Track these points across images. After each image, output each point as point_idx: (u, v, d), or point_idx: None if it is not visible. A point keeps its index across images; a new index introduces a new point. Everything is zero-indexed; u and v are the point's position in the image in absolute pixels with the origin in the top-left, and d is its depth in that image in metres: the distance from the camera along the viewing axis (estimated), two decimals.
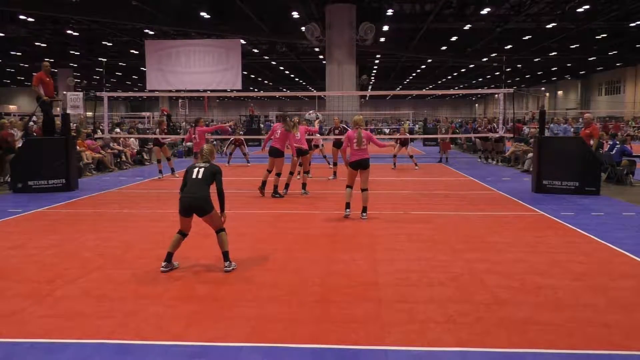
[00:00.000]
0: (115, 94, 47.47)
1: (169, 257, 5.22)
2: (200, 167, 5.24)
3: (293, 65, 47.30)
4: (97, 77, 53.90)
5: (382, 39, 33.53)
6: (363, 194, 7.97)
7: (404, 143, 15.82)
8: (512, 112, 17.34)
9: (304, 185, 10.37)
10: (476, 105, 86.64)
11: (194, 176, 5.18)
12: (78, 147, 13.43)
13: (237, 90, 30.58)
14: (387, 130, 38.28)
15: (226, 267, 5.20)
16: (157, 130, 15.26)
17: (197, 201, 5.09)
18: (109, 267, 5.41)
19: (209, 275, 5.13)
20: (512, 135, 16.24)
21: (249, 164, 16.52)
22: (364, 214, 7.95)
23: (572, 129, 17.97)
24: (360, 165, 7.85)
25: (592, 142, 11.46)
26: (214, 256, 5.63)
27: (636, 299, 4.46)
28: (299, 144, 10.31)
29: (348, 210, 7.95)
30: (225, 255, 5.23)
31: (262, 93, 67.62)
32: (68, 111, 13.65)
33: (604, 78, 52.98)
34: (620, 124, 32.87)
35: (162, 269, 5.19)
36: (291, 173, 10.42)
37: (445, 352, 3.45)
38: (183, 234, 5.28)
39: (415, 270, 5.23)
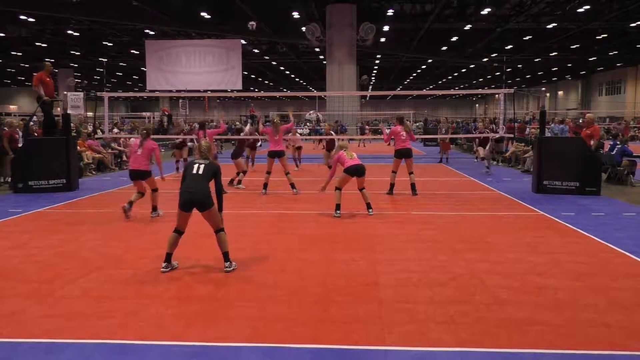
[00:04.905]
0: (115, 94, 47.45)
1: (168, 258, 5.24)
2: (200, 164, 5.29)
3: (293, 65, 47.30)
4: (98, 77, 53.93)
5: (383, 39, 33.52)
6: (363, 193, 8.25)
7: None
8: (513, 112, 17.31)
9: (292, 185, 10.39)
10: (476, 105, 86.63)
11: (194, 171, 5.23)
12: (79, 147, 13.44)
13: (238, 91, 30.60)
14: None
15: (226, 267, 5.20)
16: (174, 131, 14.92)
17: (197, 196, 5.13)
18: (109, 267, 5.41)
19: (209, 275, 5.13)
20: (511, 135, 16.23)
21: (297, 168, 15.25)
22: (371, 210, 8.23)
23: (567, 128, 17.89)
24: (357, 171, 8.04)
25: (592, 142, 11.45)
26: (214, 256, 5.63)
27: (636, 299, 4.45)
28: (275, 146, 10.34)
29: (339, 212, 8.08)
30: (226, 256, 5.24)
31: (262, 93, 67.58)
32: (68, 111, 13.65)
33: (604, 78, 52.96)
34: (622, 124, 32.79)
35: (162, 269, 5.20)
36: (268, 172, 10.54)
37: (445, 352, 3.45)
38: (179, 232, 5.28)
39: (416, 271, 5.23)
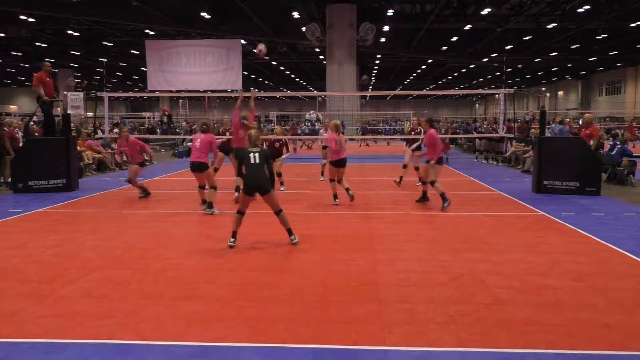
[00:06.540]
0: (115, 94, 47.48)
1: (234, 235, 6.08)
2: (254, 152, 6.10)
3: (293, 66, 47.30)
4: (98, 78, 53.94)
5: (383, 39, 33.51)
6: (343, 182, 9.06)
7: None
8: (513, 112, 17.31)
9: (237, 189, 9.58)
10: (477, 105, 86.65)
11: (252, 161, 6.05)
12: (79, 147, 13.44)
13: (238, 91, 30.60)
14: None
15: (292, 240, 6.12)
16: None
17: (260, 182, 5.99)
18: (109, 267, 5.41)
19: (209, 275, 5.13)
20: (512, 135, 16.24)
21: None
22: (350, 191, 9.01)
23: (567, 128, 17.83)
24: (344, 164, 8.86)
25: (592, 142, 11.44)
26: (213, 256, 5.63)
27: (636, 299, 4.45)
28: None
29: (337, 199, 8.94)
30: (289, 231, 6.13)
31: (262, 93, 67.59)
32: (68, 111, 13.64)
33: (604, 78, 52.96)
34: (624, 124, 32.75)
35: (230, 244, 6.00)
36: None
37: (445, 352, 3.45)
38: (241, 213, 6.11)
39: (416, 271, 5.23)
